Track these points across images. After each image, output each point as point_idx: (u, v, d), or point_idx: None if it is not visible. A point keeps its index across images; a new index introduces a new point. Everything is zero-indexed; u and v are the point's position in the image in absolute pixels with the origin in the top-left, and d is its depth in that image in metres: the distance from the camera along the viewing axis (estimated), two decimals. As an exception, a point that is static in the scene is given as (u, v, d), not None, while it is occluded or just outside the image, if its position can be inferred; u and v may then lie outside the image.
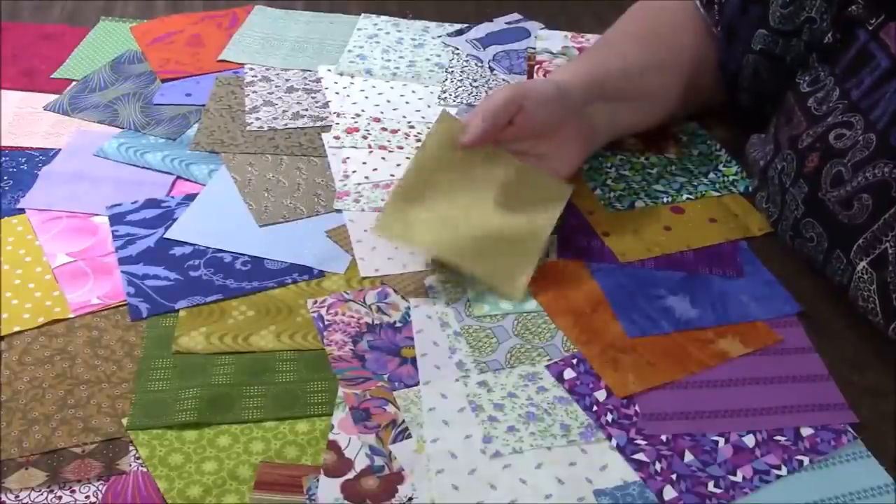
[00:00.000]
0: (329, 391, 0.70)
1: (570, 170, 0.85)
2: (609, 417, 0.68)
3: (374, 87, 1.05)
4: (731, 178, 0.92)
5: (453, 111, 1.01)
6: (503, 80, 1.06)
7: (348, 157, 0.94)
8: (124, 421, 0.67)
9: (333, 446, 0.66)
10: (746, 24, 0.88)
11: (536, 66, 1.08)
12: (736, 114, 0.96)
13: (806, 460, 0.65)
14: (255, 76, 1.07)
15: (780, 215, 0.83)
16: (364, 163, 0.93)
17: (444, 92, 1.04)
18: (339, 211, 0.87)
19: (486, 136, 0.79)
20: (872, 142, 0.73)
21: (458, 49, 1.13)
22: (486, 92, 1.04)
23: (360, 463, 0.65)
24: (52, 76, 1.06)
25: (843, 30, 0.79)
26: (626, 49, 0.90)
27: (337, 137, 0.96)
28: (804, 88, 0.82)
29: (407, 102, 1.03)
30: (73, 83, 1.05)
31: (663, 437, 0.67)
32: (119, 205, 0.87)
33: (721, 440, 0.67)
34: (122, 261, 0.81)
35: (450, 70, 1.08)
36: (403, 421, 0.68)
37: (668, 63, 0.90)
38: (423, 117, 1.00)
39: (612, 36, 0.94)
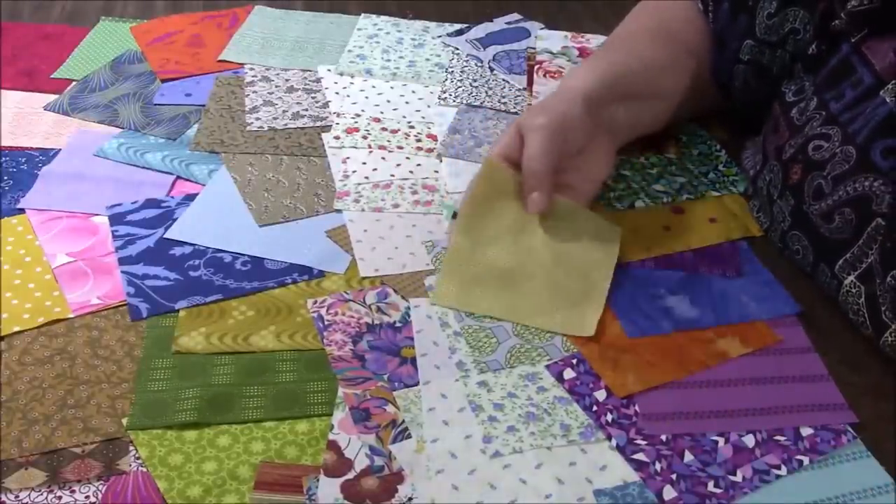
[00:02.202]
0: (329, 391, 0.70)
1: (606, 175, 0.84)
2: (609, 417, 0.68)
3: (374, 87, 1.05)
4: (731, 178, 0.92)
5: (453, 111, 1.01)
6: (503, 79, 1.06)
7: (348, 157, 0.94)
8: (124, 421, 0.67)
9: (333, 446, 0.66)
10: (735, 33, 0.87)
11: (536, 66, 1.08)
12: (736, 115, 0.96)
13: (806, 460, 0.65)
14: (255, 76, 1.07)
15: (770, 226, 0.83)
16: (364, 163, 0.93)
17: (444, 92, 1.04)
18: (339, 211, 0.87)
19: (550, 194, 0.76)
20: (852, 155, 0.73)
21: (458, 49, 1.13)
22: (486, 92, 1.04)
23: (360, 463, 0.65)
24: (52, 76, 1.06)
25: (827, 42, 0.79)
26: (640, 47, 0.88)
27: (337, 137, 0.96)
28: (789, 98, 0.82)
29: (407, 102, 1.03)
30: (73, 83, 1.05)
31: (663, 437, 0.67)
32: (119, 205, 0.87)
33: (721, 440, 0.67)
34: (122, 261, 0.81)
35: (450, 70, 1.08)
36: (403, 421, 0.68)
37: (680, 60, 0.88)
38: (424, 117, 1.00)
39: (622, 34, 0.92)
